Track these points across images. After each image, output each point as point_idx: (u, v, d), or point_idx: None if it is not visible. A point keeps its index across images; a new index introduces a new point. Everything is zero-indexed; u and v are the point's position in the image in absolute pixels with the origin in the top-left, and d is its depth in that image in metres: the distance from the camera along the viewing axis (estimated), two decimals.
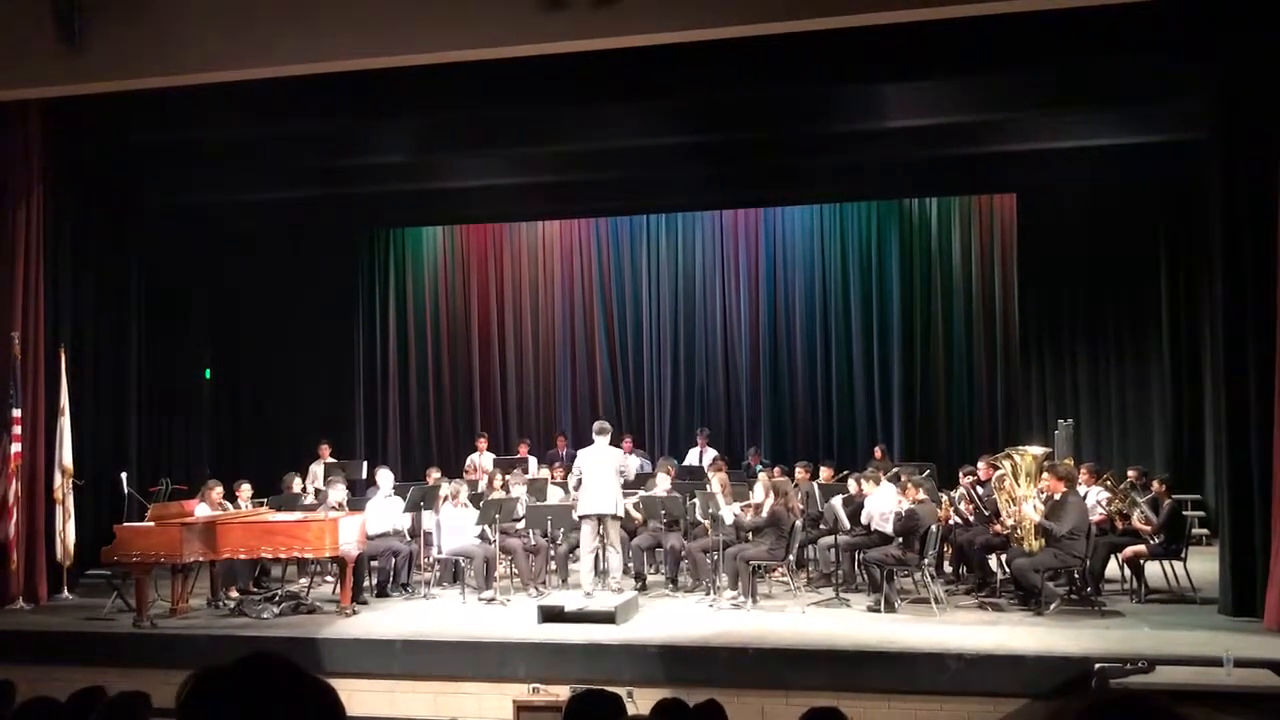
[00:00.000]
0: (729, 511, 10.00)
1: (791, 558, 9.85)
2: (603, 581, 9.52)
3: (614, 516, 9.62)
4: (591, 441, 10.10)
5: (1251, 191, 8.69)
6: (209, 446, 14.39)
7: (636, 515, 10.59)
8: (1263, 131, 8.61)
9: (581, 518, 9.81)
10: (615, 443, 10.04)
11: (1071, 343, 13.70)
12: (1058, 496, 9.16)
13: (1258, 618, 8.40)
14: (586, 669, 7.92)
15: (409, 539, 10.64)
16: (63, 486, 10.47)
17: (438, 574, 10.68)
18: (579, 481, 9.77)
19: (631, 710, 4.86)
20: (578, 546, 10.27)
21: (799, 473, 11.37)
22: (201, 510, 9.94)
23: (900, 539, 9.28)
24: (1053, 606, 8.91)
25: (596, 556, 9.76)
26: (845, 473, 11.65)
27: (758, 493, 10.55)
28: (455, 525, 10.34)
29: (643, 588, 10.25)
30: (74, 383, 10.79)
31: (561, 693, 7.49)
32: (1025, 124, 11.13)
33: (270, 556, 9.92)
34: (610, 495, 9.59)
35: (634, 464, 12.25)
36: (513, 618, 9.11)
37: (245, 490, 10.76)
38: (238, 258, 14.87)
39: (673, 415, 15.63)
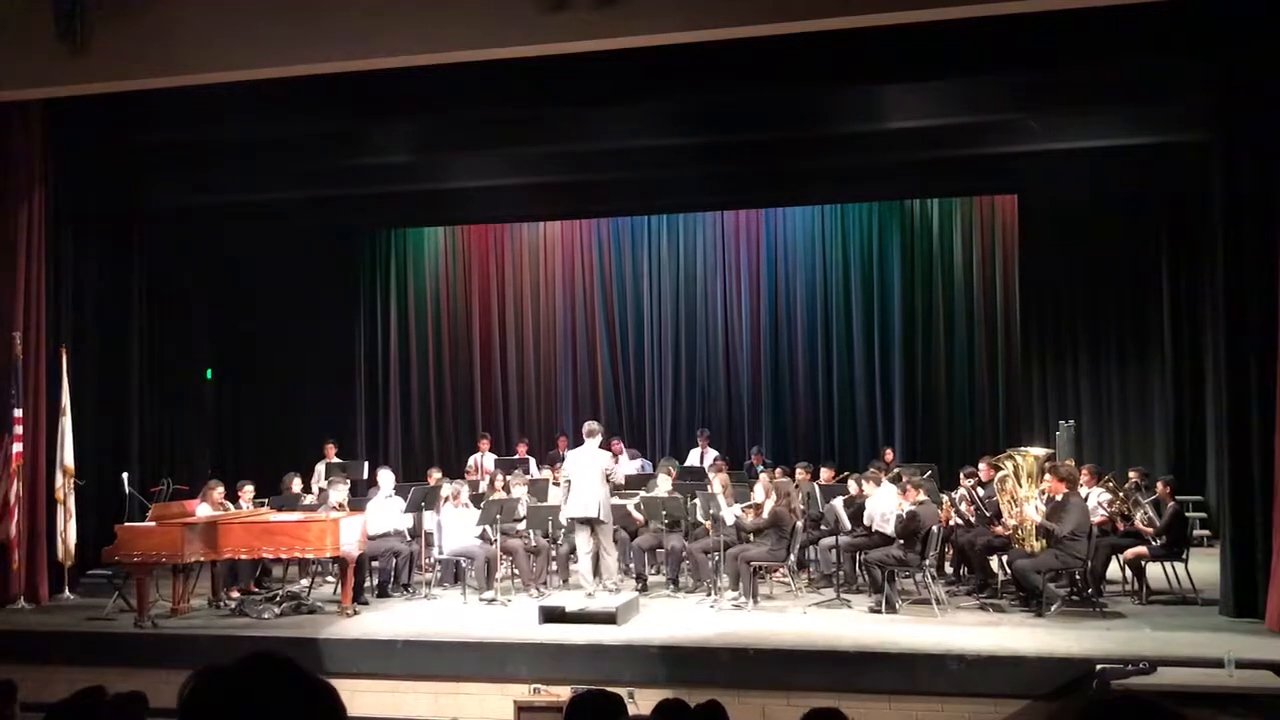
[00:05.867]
0: (730, 512, 10.01)
1: (792, 559, 9.85)
2: (600, 583, 9.51)
3: (600, 520, 9.56)
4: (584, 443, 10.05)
5: (1252, 193, 8.70)
6: (210, 446, 14.39)
7: (638, 516, 10.60)
8: (1263, 132, 8.62)
9: (571, 520, 9.77)
10: (606, 444, 9.96)
11: (1073, 344, 13.69)
12: (1059, 498, 9.15)
13: (1259, 619, 8.41)
14: (588, 669, 7.92)
15: (410, 539, 10.64)
16: (64, 486, 10.47)
17: (439, 574, 10.68)
18: (567, 484, 9.74)
19: (633, 711, 4.87)
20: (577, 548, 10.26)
21: (800, 474, 11.35)
22: (203, 510, 9.94)
23: (901, 540, 9.28)
24: (1054, 608, 8.91)
25: (596, 557, 9.75)
26: (846, 474, 11.65)
27: (758, 493, 10.55)
28: (456, 526, 10.34)
29: (644, 588, 10.25)
30: (75, 382, 10.79)
31: (562, 693, 7.49)
32: (1033, 124, 11.11)
33: (271, 557, 9.92)
34: (594, 499, 9.51)
35: (629, 466, 12.20)
36: (514, 618, 9.11)
37: (248, 491, 10.75)
38: (239, 258, 14.89)
39: (674, 416, 15.62)
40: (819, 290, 15.32)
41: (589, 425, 9.99)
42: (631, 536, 10.72)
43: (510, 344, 16.21)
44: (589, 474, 9.53)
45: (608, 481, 9.75)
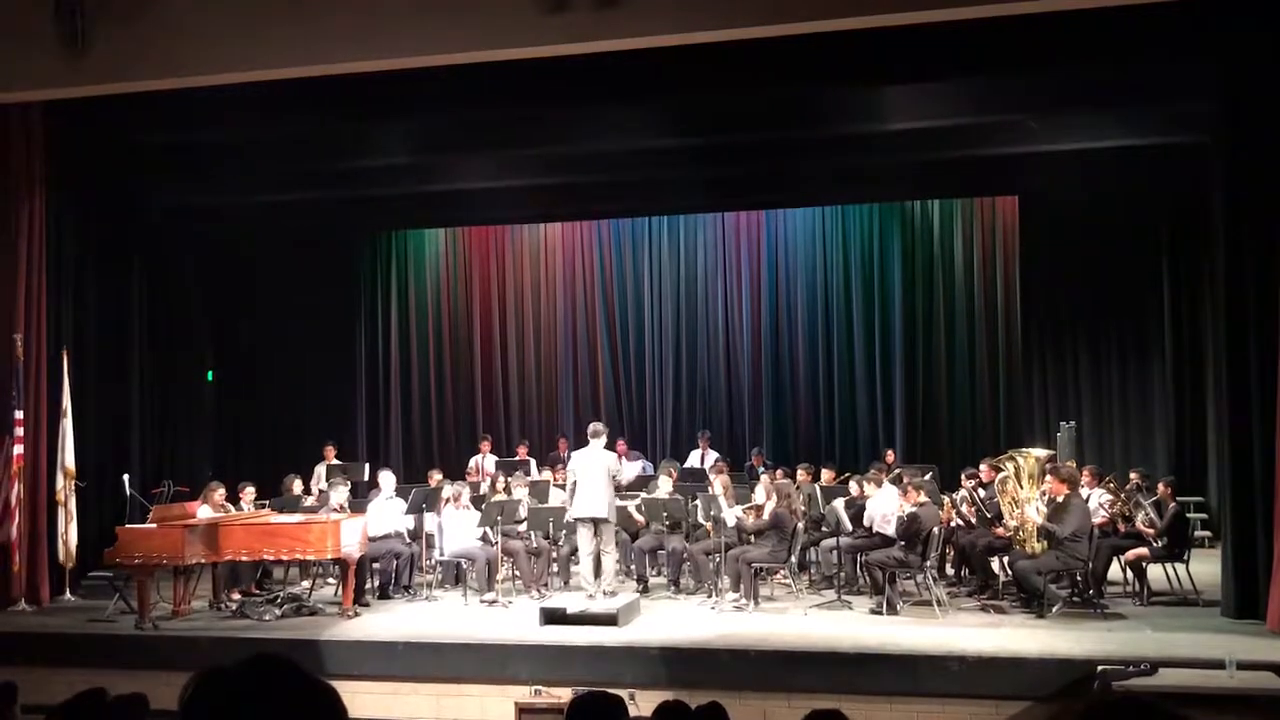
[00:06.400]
0: (731, 514, 10.00)
1: (793, 560, 9.85)
2: (599, 585, 9.52)
3: (606, 520, 9.57)
4: (587, 444, 10.06)
5: (1253, 194, 8.70)
6: (211, 448, 14.39)
7: (639, 518, 10.59)
8: (1265, 133, 8.61)
9: (576, 520, 9.78)
10: (610, 445, 9.99)
11: (1074, 345, 13.69)
12: (1060, 499, 9.15)
13: (1260, 620, 8.40)
14: (588, 671, 7.92)
15: (411, 541, 10.64)
16: (65, 488, 10.47)
17: (439, 576, 10.68)
18: (573, 484, 9.74)
19: (633, 712, 4.86)
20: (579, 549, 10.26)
21: (800, 475, 11.35)
22: (204, 512, 9.95)
23: (903, 541, 9.28)
24: (1055, 609, 8.91)
25: (597, 558, 9.75)
26: (847, 475, 11.64)
27: (759, 495, 10.55)
28: (457, 527, 10.34)
29: (645, 590, 10.25)
30: (76, 384, 10.79)
31: (563, 695, 7.49)
32: (1032, 125, 11.11)
33: (272, 558, 9.92)
34: (602, 499, 9.54)
35: (632, 468, 12.20)
36: (515, 620, 9.12)
37: (249, 493, 10.75)
38: (240, 260, 14.89)
39: (674, 417, 15.62)
40: (819, 291, 15.31)
41: (594, 426, 10.01)
42: (633, 538, 10.71)
43: (511, 345, 16.21)
44: (594, 474, 9.54)
45: (614, 481, 9.76)
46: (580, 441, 10.15)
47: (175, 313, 13.55)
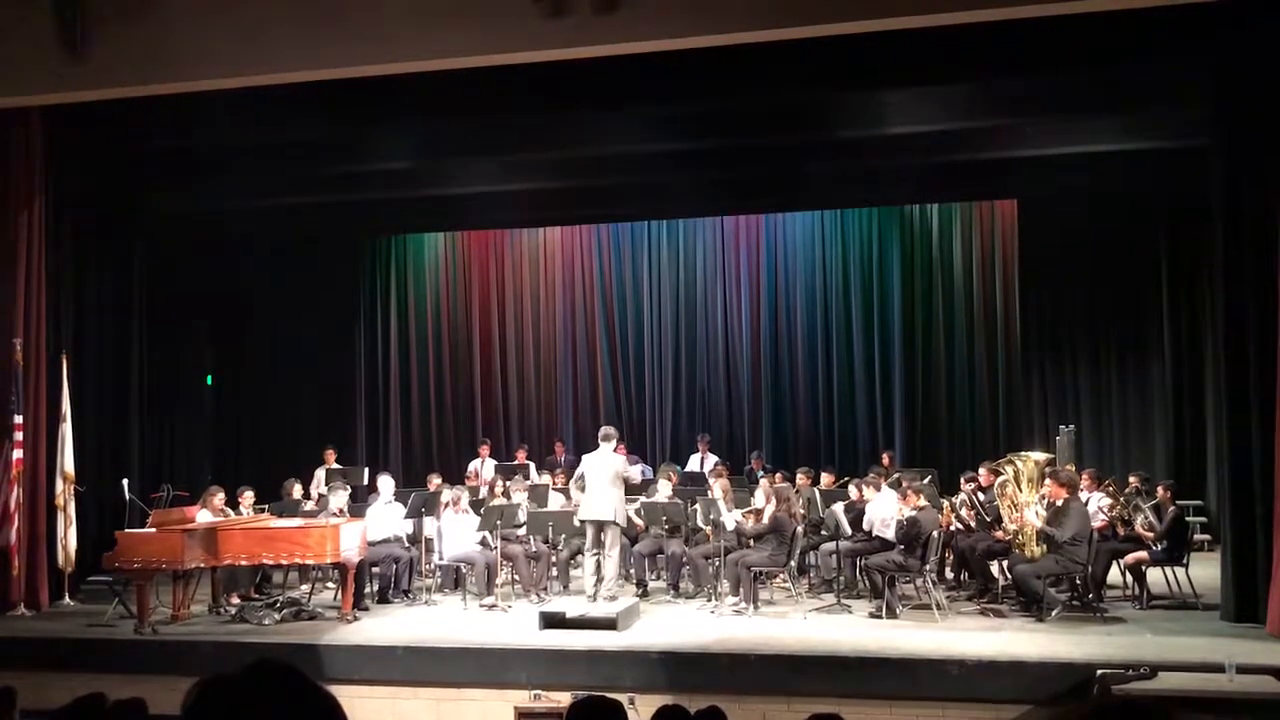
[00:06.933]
0: (730, 518, 10.00)
1: (793, 564, 9.85)
2: (598, 589, 9.53)
3: (613, 523, 9.59)
4: (597, 447, 10.09)
5: (1252, 197, 8.70)
6: (211, 452, 14.39)
7: (638, 521, 10.59)
8: (1264, 136, 8.62)
9: (582, 522, 9.81)
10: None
11: (1073, 348, 13.70)
12: (1059, 502, 9.15)
13: (1260, 624, 8.40)
14: (588, 675, 7.91)
15: (410, 545, 10.64)
16: (64, 492, 10.46)
17: (439, 580, 10.67)
18: (582, 486, 9.77)
19: (633, 716, 4.87)
20: (579, 553, 10.24)
21: (800, 478, 11.36)
22: (203, 516, 9.95)
23: (902, 545, 9.28)
24: (1055, 613, 8.90)
25: (598, 561, 9.76)
26: (846, 479, 11.65)
27: (759, 499, 10.55)
28: (457, 531, 10.34)
29: (644, 594, 10.25)
30: (76, 388, 10.78)
31: (563, 699, 7.49)
32: (1027, 130, 11.13)
33: (272, 563, 9.90)
34: (607, 502, 9.57)
35: (632, 472, 12.21)
36: (514, 624, 9.10)
37: (248, 497, 10.75)
38: (240, 264, 14.90)
39: (674, 421, 15.62)
40: (819, 295, 15.32)
41: (605, 429, 10.06)
42: (632, 542, 10.70)
43: (510, 349, 16.22)
44: (599, 477, 9.56)
45: (623, 483, 9.79)
46: (579, 445, 10.17)
47: (175, 316, 13.54)
